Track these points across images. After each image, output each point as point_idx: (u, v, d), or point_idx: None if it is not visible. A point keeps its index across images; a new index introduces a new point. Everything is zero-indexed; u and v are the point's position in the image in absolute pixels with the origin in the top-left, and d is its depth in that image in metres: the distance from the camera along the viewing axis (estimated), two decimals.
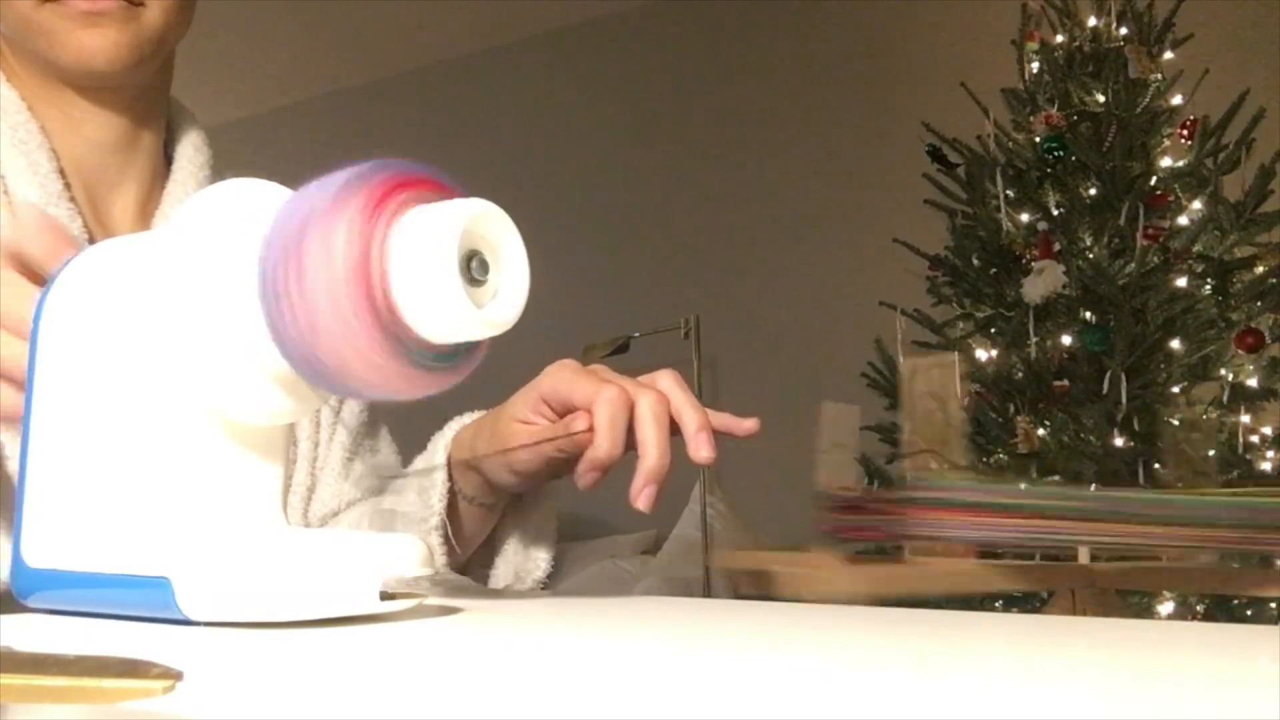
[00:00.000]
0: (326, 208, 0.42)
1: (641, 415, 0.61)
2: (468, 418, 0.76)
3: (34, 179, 0.76)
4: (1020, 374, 2.36)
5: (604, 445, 0.61)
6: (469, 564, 0.79)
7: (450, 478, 0.74)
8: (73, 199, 0.78)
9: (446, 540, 0.74)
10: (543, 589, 0.78)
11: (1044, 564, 1.78)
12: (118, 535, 0.48)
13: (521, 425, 0.68)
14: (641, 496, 0.61)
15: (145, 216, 0.84)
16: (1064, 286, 2.33)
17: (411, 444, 0.84)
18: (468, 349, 0.47)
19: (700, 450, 0.62)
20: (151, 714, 0.27)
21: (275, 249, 0.43)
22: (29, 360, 0.52)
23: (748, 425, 0.65)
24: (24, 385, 0.51)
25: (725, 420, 0.65)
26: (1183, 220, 2.37)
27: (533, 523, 0.78)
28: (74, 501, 0.50)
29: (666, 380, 0.64)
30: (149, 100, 0.83)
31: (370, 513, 0.83)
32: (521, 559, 0.78)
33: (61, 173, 0.78)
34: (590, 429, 0.61)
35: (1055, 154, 2.42)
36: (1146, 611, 2.18)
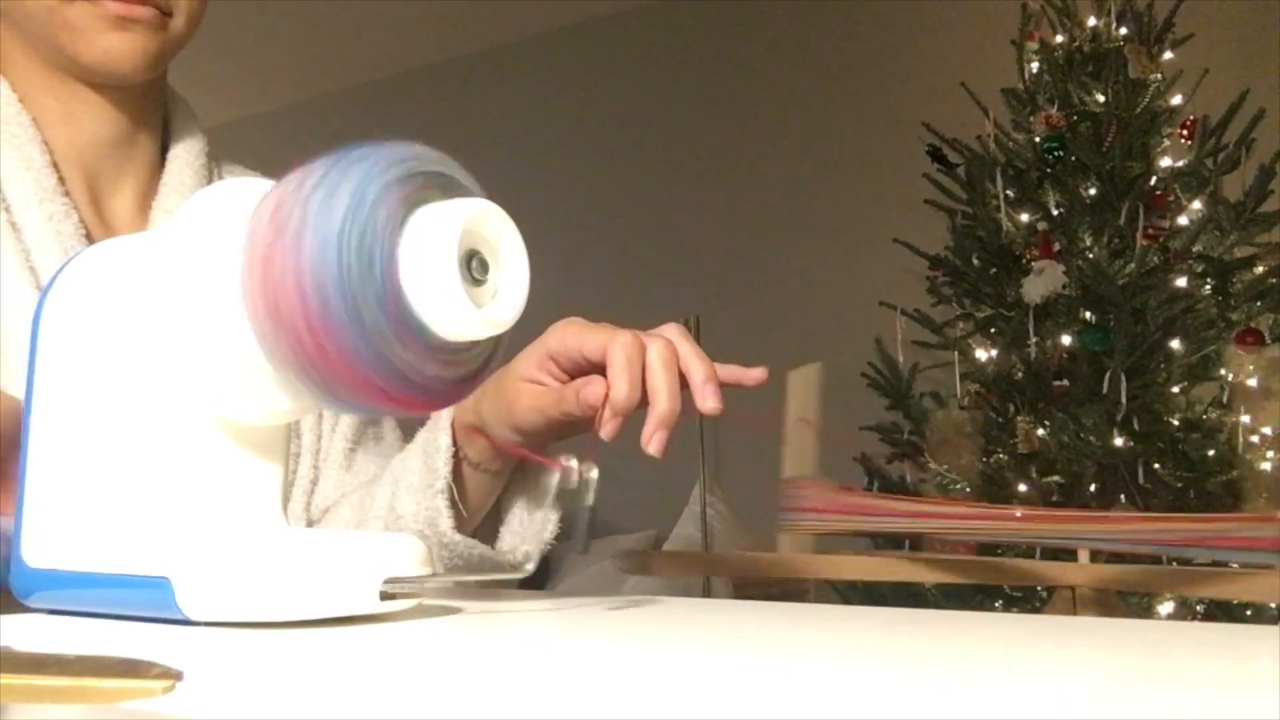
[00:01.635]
0: (317, 208, 0.42)
1: (652, 362, 0.62)
2: None
3: (27, 174, 0.76)
4: (1020, 374, 2.36)
5: (623, 388, 0.61)
6: (476, 535, 0.77)
7: (455, 443, 0.73)
8: (68, 193, 0.78)
9: (453, 504, 0.72)
10: (542, 589, 0.78)
11: (1045, 564, 1.77)
12: (118, 535, 0.48)
13: (528, 384, 0.67)
14: (653, 441, 0.61)
15: (144, 210, 0.84)
16: (1064, 286, 2.33)
17: (416, 421, 0.83)
18: (471, 374, 0.47)
19: (707, 401, 0.62)
20: (151, 714, 0.27)
21: (255, 259, 0.43)
22: (29, 362, 0.52)
23: (755, 374, 0.65)
24: None
25: (733, 372, 0.64)
26: (1183, 220, 2.37)
27: (538, 489, 0.77)
28: (74, 501, 0.50)
29: (673, 331, 0.65)
30: (149, 95, 0.83)
31: (370, 496, 0.82)
32: (528, 524, 0.76)
33: (56, 167, 0.78)
34: (605, 395, 0.61)
35: (1055, 154, 2.42)
36: (1146, 611, 2.18)
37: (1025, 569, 1.54)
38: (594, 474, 0.69)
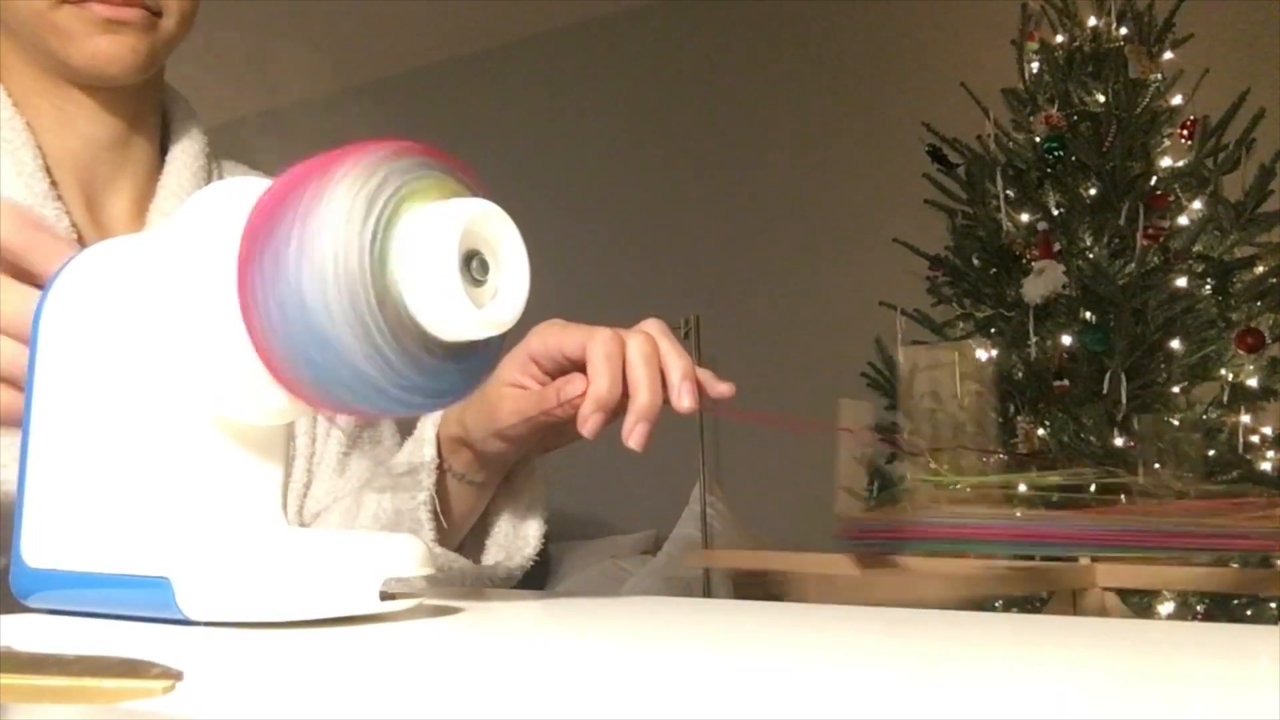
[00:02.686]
0: (313, 207, 0.42)
1: (631, 357, 0.62)
2: None
3: (18, 179, 0.76)
4: (1020, 374, 2.36)
5: (603, 382, 0.61)
6: (462, 549, 0.78)
7: (440, 454, 0.73)
8: (60, 197, 0.77)
9: (435, 516, 0.73)
10: (542, 589, 0.78)
11: (1045, 565, 1.78)
12: (118, 535, 0.48)
13: (511, 388, 0.67)
14: (634, 434, 0.61)
15: (141, 212, 0.83)
16: (1064, 286, 2.33)
17: (412, 430, 0.83)
18: (472, 375, 0.47)
19: (683, 399, 0.62)
20: (151, 714, 0.27)
21: (255, 260, 0.43)
22: (29, 361, 0.52)
23: (722, 388, 0.65)
24: (23, 386, 0.51)
25: (702, 377, 0.64)
26: (1183, 220, 2.37)
27: (523, 501, 0.77)
28: (74, 501, 0.50)
29: (653, 326, 0.65)
30: (144, 96, 0.83)
31: (357, 503, 0.82)
32: (512, 538, 0.77)
33: (48, 170, 0.78)
34: (584, 393, 0.61)
35: (1055, 154, 2.42)
36: (1146, 611, 2.18)
37: (1035, 574, 1.54)
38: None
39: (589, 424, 0.62)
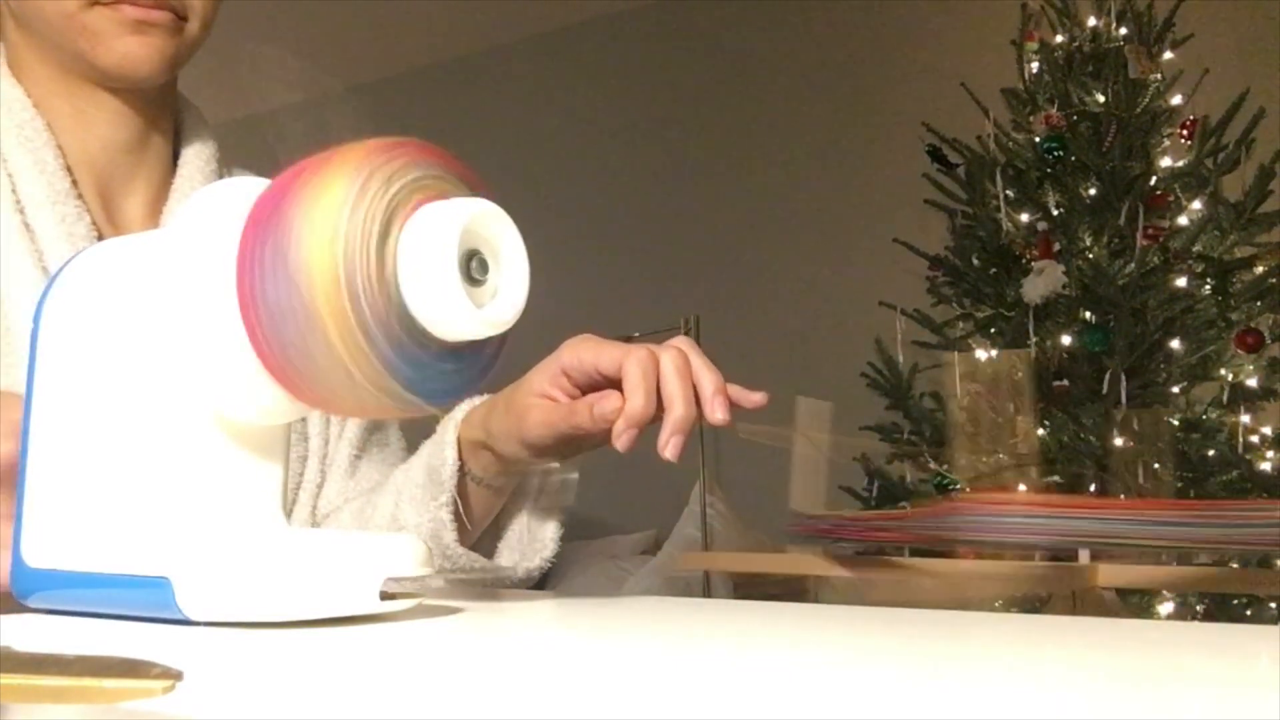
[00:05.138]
0: (307, 206, 0.42)
1: (666, 372, 0.63)
2: (477, 399, 0.76)
3: (40, 177, 0.77)
4: (1020, 374, 2.36)
5: (639, 400, 0.62)
6: (475, 550, 0.78)
7: (460, 457, 0.74)
8: (80, 196, 0.79)
9: (457, 517, 0.73)
10: (542, 589, 0.78)
11: (1046, 565, 1.78)
12: (118, 535, 0.48)
13: (540, 399, 0.68)
14: (669, 446, 0.62)
15: (155, 214, 0.84)
16: (1064, 286, 2.33)
17: (421, 433, 0.83)
18: (472, 375, 0.47)
19: (716, 412, 0.63)
20: (151, 714, 0.27)
21: (251, 259, 0.43)
22: (29, 361, 0.52)
23: (755, 398, 0.66)
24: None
25: (735, 392, 0.66)
26: (1183, 220, 2.37)
27: (539, 504, 0.78)
28: (74, 501, 0.50)
29: (683, 343, 0.66)
30: (160, 100, 0.84)
31: (370, 504, 0.82)
32: (527, 541, 0.77)
33: (69, 170, 0.79)
34: (620, 408, 0.62)
35: (1055, 154, 2.42)
36: (1146, 611, 2.18)
37: (1033, 573, 1.54)
38: (574, 476, 0.69)
39: (623, 439, 0.63)
